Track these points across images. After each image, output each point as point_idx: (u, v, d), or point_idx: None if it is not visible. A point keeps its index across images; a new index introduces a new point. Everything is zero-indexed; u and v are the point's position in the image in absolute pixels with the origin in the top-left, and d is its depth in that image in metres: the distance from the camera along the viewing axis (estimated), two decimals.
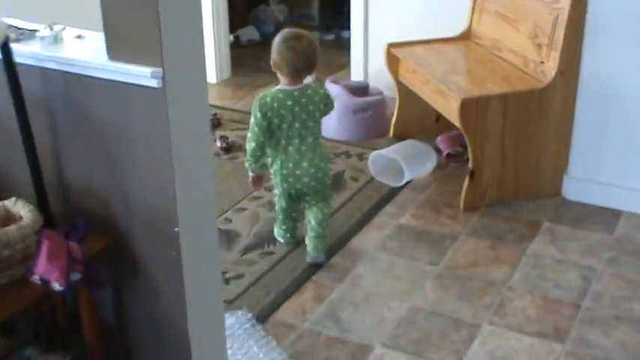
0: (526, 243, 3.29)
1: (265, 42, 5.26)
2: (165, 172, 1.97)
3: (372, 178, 3.83)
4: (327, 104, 3.14)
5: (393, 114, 4.23)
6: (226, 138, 4.17)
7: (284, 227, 3.29)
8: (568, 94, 3.48)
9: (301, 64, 2.99)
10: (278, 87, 3.07)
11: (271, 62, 3.05)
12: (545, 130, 3.52)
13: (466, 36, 4.06)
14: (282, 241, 3.32)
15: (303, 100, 3.03)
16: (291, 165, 3.09)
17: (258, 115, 3.02)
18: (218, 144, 4.14)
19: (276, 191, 3.24)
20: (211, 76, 5.08)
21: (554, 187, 3.64)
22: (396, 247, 3.29)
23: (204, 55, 2.02)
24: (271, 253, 3.26)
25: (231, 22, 5.42)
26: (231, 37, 5.61)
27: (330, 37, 5.94)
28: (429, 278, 3.08)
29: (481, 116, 3.39)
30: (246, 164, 3.16)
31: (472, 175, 3.49)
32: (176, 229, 2.00)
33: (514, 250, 3.25)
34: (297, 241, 3.31)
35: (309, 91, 3.06)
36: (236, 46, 5.64)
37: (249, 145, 3.10)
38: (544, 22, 3.49)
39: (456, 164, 3.95)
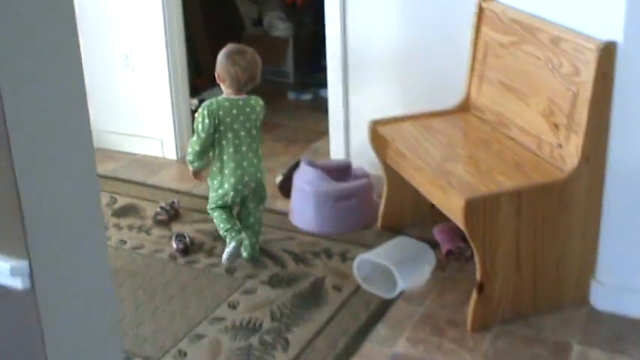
0: None
1: None
2: None
3: (358, 287, 3.17)
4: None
5: (381, 198, 3.59)
6: (183, 237, 3.50)
7: (229, 227, 3.29)
8: (594, 185, 2.85)
9: (244, 78, 3.17)
10: (223, 96, 3.22)
11: (216, 74, 3.23)
12: (568, 227, 2.88)
13: (464, 107, 3.43)
14: (234, 244, 3.24)
15: (247, 109, 3.21)
16: (239, 172, 3.22)
17: (207, 120, 3.17)
18: (174, 245, 3.48)
19: (214, 213, 3.33)
20: (170, 152, 4.43)
21: (581, 295, 2.99)
22: None
23: (102, 227, 1.36)
24: None
25: (194, 85, 4.80)
26: (194, 103, 4.96)
27: (307, 97, 5.30)
28: None
29: (490, 218, 2.75)
30: (189, 161, 3.32)
31: (480, 288, 2.84)
32: None
33: None
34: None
35: (252, 101, 3.25)
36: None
37: (194, 149, 3.25)
38: (560, 98, 2.86)
39: (457, 262, 3.30)
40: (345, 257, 3.37)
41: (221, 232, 3.32)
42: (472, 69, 3.39)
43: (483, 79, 3.33)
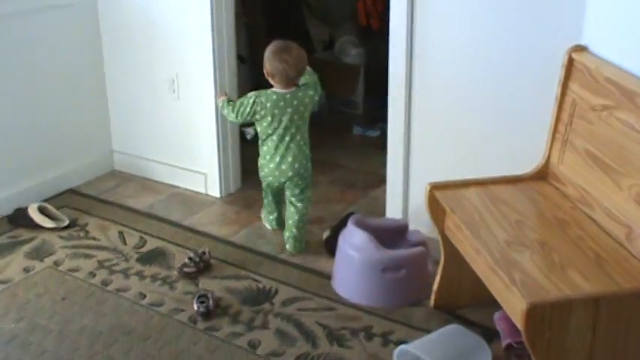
0: None
1: None
2: None
3: None
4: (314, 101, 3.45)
5: (436, 269, 3.08)
6: (206, 298, 3.07)
7: (270, 216, 3.67)
8: None
9: (292, 74, 3.31)
10: (272, 89, 3.36)
11: (265, 71, 3.35)
12: None
13: (541, 175, 2.90)
14: (268, 226, 3.69)
15: (295, 102, 3.35)
16: (277, 159, 3.38)
17: (248, 109, 3.35)
18: (195, 306, 3.06)
19: (264, 193, 3.64)
20: (214, 188, 4.02)
21: None
22: None
23: None
24: None
25: None
26: (251, 132, 4.53)
27: (375, 133, 4.81)
28: None
29: (559, 329, 2.22)
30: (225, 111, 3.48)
31: None
32: None
33: None
34: (280, 226, 3.63)
35: (300, 94, 3.37)
36: (251, 142, 4.53)
37: (228, 117, 3.49)
38: None
39: None
40: (387, 340, 2.88)
41: (262, 215, 3.72)
42: (554, 131, 2.85)
43: (567, 145, 2.80)
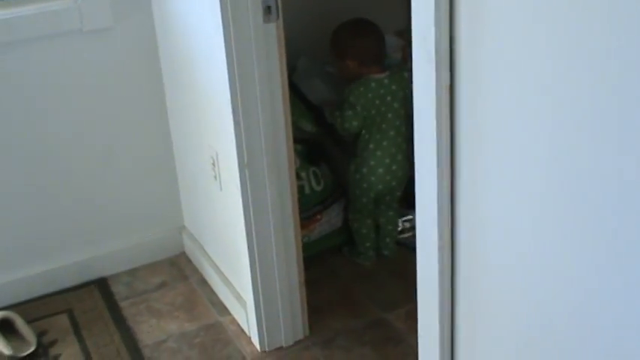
0: None
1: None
2: None
3: None
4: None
5: None
6: None
7: (367, 242, 2.94)
8: None
9: (383, 47, 2.78)
10: (367, 77, 2.75)
11: (346, 65, 2.77)
12: None
13: None
14: (367, 263, 2.96)
15: (394, 87, 2.77)
16: (387, 160, 2.79)
17: (358, 107, 2.73)
18: None
19: (357, 215, 2.92)
20: (255, 333, 2.59)
21: None
22: None
23: None
24: None
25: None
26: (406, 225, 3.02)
27: None
28: None
29: None
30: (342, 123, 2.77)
31: None
32: None
33: None
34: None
35: (397, 77, 2.78)
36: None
37: (349, 124, 2.75)
38: None
39: None
40: None
41: (358, 245, 2.97)
42: None
43: None
